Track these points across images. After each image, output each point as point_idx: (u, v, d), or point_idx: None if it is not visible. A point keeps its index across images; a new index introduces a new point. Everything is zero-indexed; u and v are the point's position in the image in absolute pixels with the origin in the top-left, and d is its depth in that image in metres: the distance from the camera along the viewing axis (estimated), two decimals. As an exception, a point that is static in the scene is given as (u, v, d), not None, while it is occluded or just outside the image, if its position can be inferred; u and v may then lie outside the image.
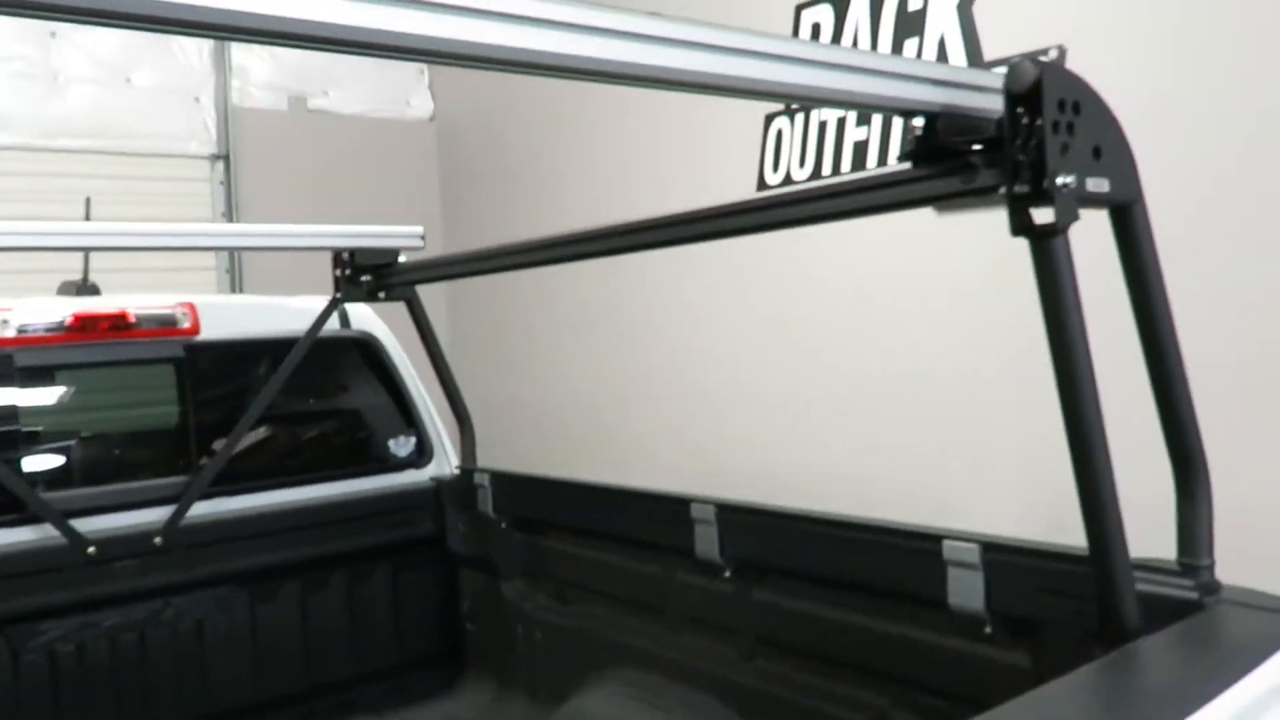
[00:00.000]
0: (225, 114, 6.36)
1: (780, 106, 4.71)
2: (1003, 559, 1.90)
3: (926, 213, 4.39)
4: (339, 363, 3.37)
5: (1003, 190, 1.46)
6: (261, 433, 3.17)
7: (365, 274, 3.02)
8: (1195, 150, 3.38)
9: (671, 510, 2.53)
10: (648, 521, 2.64)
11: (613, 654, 2.80)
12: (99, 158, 5.98)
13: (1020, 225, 1.46)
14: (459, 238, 6.97)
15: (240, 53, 6.38)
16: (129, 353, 2.98)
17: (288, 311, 3.14)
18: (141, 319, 2.92)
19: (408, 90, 6.95)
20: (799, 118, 4.78)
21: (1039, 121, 1.40)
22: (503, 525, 3.12)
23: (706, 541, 2.46)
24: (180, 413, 3.13)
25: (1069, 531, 1.65)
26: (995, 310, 3.87)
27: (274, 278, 6.13)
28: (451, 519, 3.30)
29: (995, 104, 1.44)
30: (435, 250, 6.72)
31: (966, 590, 1.94)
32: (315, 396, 3.42)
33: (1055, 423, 1.51)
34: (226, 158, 6.37)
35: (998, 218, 1.49)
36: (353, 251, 2.94)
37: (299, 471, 3.22)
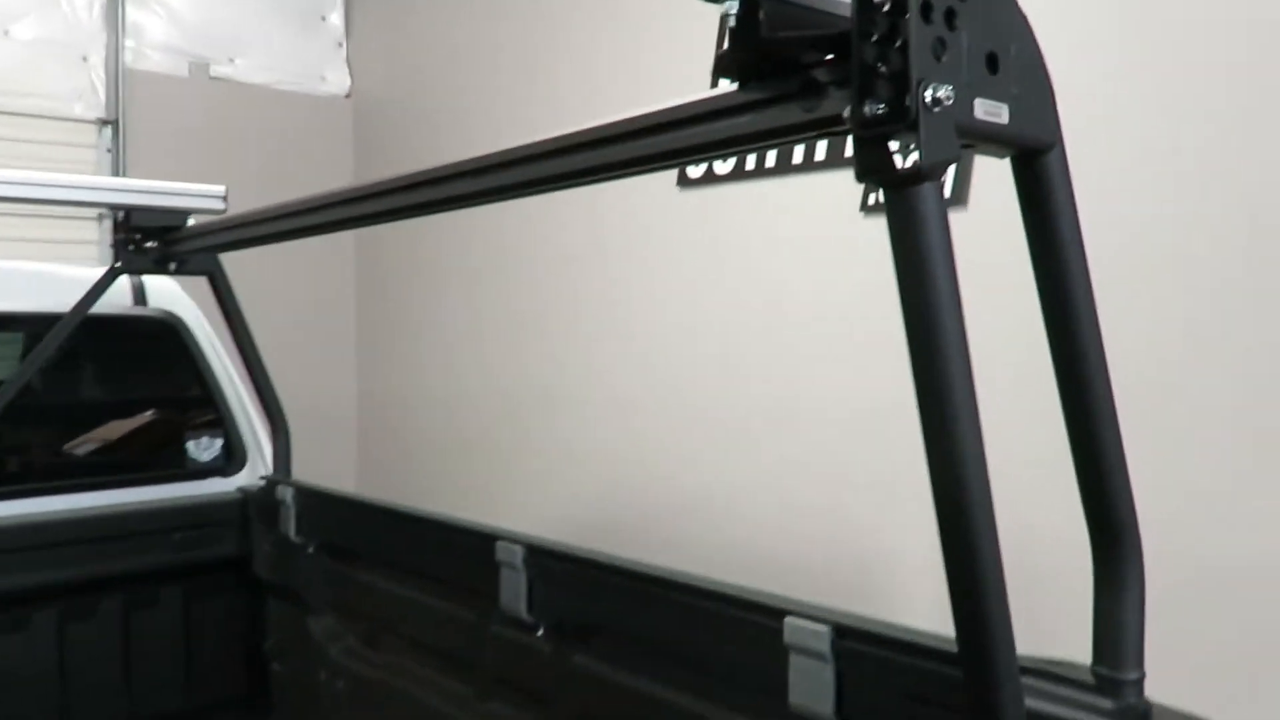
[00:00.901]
0: (117, 75, 5.80)
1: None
2: (861, 649, 1.40)
3: (851, 213, 3.98)
4: (134, 348, 2.83)
5: (848, 113, 0.97)
6: (26, 429, 2.63)
7: (152, 239, 2.50)
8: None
9: (475, 547, 2.02)
10: (454, 560, 2.13)
11: (417, 716, 2.29)
12: (-30, 115, 5.42)
13: (870, 164, 0.96)
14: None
15: (135, 8, 5.84)
16: None
17: (61, 283, 2.61)
18: None
19: (323, 63, 6.42)
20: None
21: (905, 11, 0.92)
22: (309, 550, 2.60)
23: (512, 591, 1.95)
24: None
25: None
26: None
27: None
28: (257, 539, 2.77)
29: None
30: (348, 244, 6.07)
31: (812, 687, 1.44)
32: (101, 386, 2.88)
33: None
34: (116, 123, 5.81)
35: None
36: (128, 211, 2.41)
37: (72, 475, 2.69)
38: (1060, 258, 1.10)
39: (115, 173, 5.83)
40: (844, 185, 3.50)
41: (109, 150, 5.83)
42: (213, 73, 6.09)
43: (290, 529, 2.60)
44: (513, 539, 1.95)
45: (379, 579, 2.46)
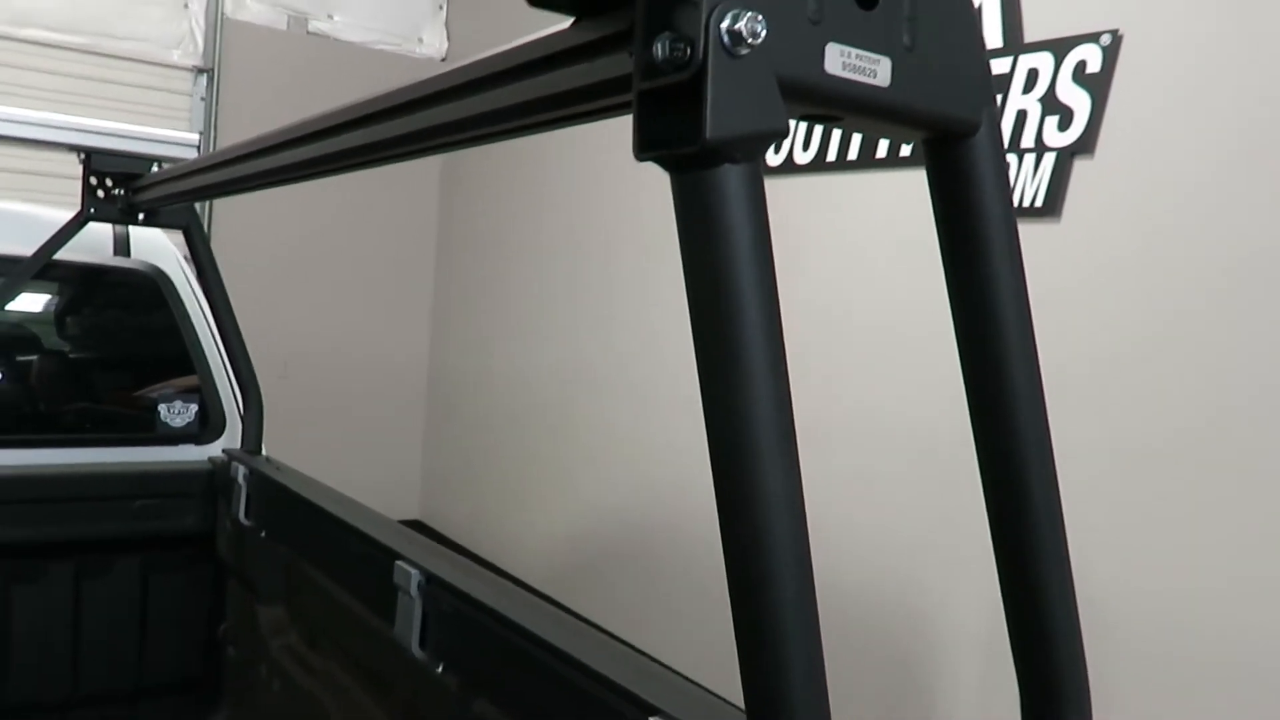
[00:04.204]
0: (216, 24, 5.79)
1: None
2: None
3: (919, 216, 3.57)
4: (115, 302, 2.68)
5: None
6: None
7: (120, 187, 2.32)
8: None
9: (378, 562, 1.76)
10: (362, 572, 1.88)
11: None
12: (69, 55, 5.47)
13: (650, 135, 0.64)
14: (458, 193, 6.30)
15: (239, -41, 5.80)
16: None
17: (37, 225, 2.46)
18: None
19: (422, 24, 6.27)
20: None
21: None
22: (262, 534, 2.39)
23: (405, 620, 1.68)
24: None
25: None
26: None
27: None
28: (221, 517, 2.59)
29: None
30: (429, 216, 5.91)
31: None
32: (73, 339, 2.74)
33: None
34: (211, 72, 5.80)
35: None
36: (89, 154, 2.23)
37: (33, 430, 2.55)
38: (980, 288, 0.75)
39: (209, 123, 5.82)
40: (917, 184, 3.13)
41: (203, 99, 5.83)
42: (311, 27, 6.02)
43: (240, 511, 2.40)
44: (411, 560, 1.68)
45: (321, 577, 2.24)
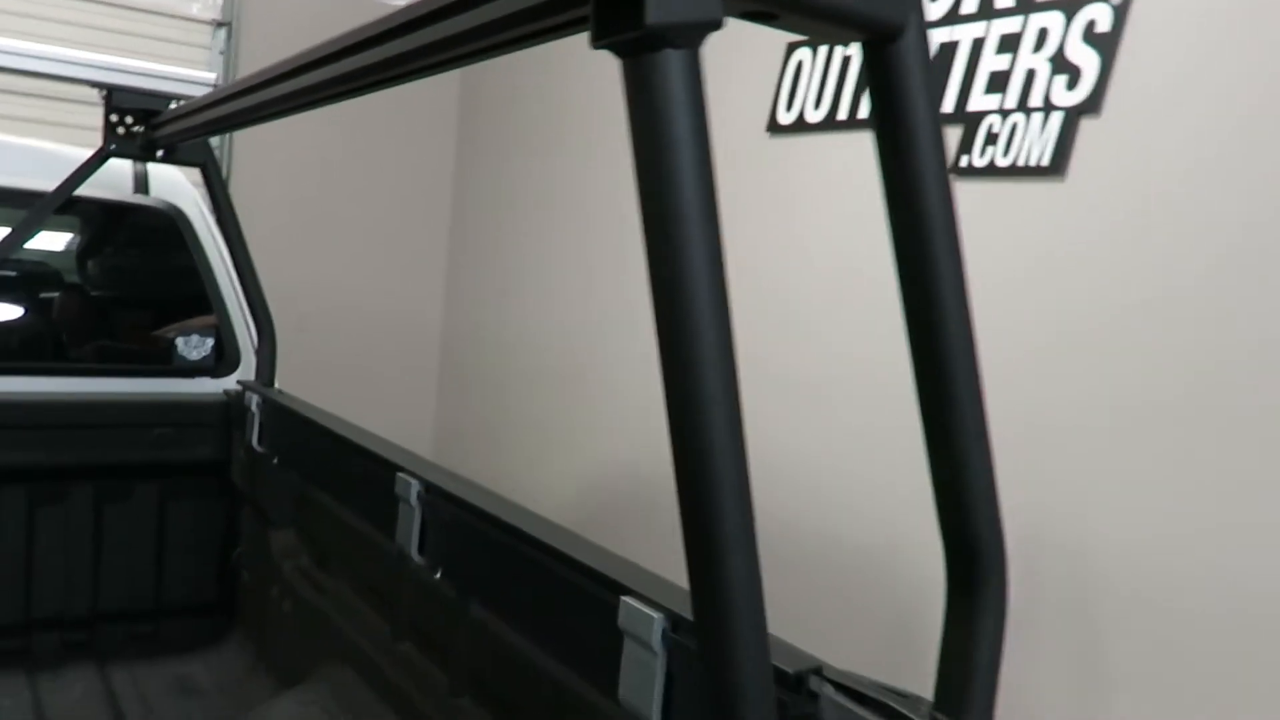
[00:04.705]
0: (236, -22, 5.85)
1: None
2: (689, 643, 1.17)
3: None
4: (134, 238, 2.77)
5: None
6: (10, 308, 2.60)
7: (141, 124, 2.40)
8: None
9: (381, 478, 1.85)
10: (368, 488, 1.97)
11: (342, 651, 2.16)
12: (90, 6, 5.54)
13: (606, 26, 0.72)
14: (474, 148, 6.36)
15: (260, -91, 5.84)
16: None
17: (61, 161, 2.54)
18: None
19: (439, -22, 6.31)
20: (822, 50, 3.96)
21: None
22: (274, 461, 2.49)
23: (405, 529, 1.78)
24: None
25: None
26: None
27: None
28: (236, 446, 2.69)
29: None
30: (445, 171, 5.91)
31: (639, 682, 1.21)
32: (94, 273, 2.83)
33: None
34: (230, 25, 5.86)
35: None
36: (110, 90, 2.31)
37: (55, 359, 2.65)
38: (909, 178, 0.82)
39: (228, 76, 5.88)
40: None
41: (221, 53, 5.89)
42: (332, -18, 6.06)
43: (254, 438, 2.50)
44: (412, 472, 1.77)
45: (329, 500, 2.34)
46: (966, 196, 3.31)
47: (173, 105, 2.34)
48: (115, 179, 2.65)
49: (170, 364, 2.72)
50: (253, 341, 2.79)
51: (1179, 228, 2.82)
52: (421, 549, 1.74)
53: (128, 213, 2.69)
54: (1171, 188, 2.84)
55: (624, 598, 1.23)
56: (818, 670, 1.02)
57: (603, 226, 5.20)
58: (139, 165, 2.67)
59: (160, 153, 2.42)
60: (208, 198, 2.63)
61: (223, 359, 2.77)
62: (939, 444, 0.86)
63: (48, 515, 2.58)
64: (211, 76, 2.39)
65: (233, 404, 2.68)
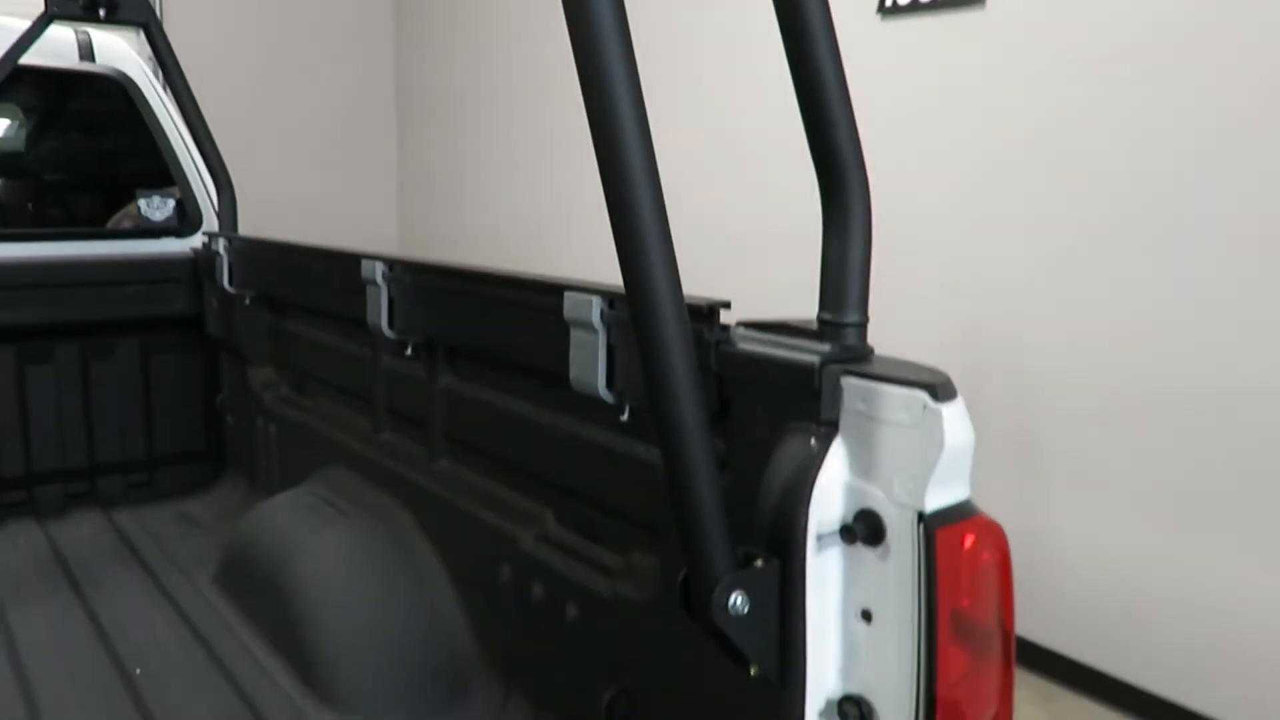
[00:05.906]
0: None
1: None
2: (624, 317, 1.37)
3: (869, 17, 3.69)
4: (83, 106, 2.87)
5: None
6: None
7: (80, -15, 2.50)
8: None
9: (349, 271, 2.03)
10: (339, 288, 2.15)
11: (330, 453, 2.36)
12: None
13: None
14: (414, 53, 6.40)
15: None
16: None
17: (3, 31, 2.63)
18: None
19: None
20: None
21: None
22: (246, 302, 2.66)
23: (375, 308, 1.96)
24: None
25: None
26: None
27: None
28: (207, 296, 2.85)
29: None
30: (386, 78, 5.86)
31: (585, 359, 1.42)
32: (50, 142, 2.94)
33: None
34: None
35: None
36: (46, -52, 2.41)
37: (23, 224, 2.77)
38: None
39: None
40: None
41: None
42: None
43: (225, 279, 2.66)
44: (374, 256, 1.95)
45: (302, 325, 2.52)
46: (898, 36, 3.45)
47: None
48: (61, 49, 2.75)
49: (135, 226, 2.86)
50: (213, 202, 2.93)
51: (1098, 46, 2.97)
52: (391, 324, 1.93)
53: (75, 80, 2.79)
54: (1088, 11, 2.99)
55: (567, 292, 1.42)
56: (726, 304, 1.22)
57: (557, 109, 5.29)
58: (82, 34, 2.77)
59: (102, 12, 2.52)
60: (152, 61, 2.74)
61: (185, 219, 2.91)
62: (801, 74, 1.05)
63: (38, 375, 2.74)
64: (144, -68, 2.48)
65: (200, 258, 2.83)
